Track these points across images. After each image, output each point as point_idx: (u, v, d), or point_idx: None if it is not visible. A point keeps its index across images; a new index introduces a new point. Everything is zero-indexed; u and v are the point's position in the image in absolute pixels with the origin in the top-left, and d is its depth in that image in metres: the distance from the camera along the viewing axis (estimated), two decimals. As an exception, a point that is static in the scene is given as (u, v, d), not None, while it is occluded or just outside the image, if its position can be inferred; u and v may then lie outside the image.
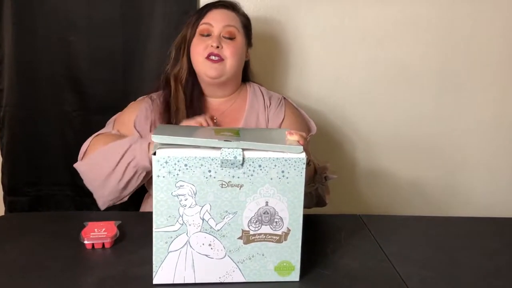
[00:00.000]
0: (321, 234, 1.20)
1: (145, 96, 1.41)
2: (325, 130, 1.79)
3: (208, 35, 1.30)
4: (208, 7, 1.33)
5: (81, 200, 1.75)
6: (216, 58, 1.28)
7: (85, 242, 1.06)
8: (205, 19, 1.31)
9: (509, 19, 1.76)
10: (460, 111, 1.83)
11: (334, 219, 1.30)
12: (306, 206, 1.25)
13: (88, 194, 1.73)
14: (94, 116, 1.68)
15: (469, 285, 1.00)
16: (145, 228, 1.09)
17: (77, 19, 1.62)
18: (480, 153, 1.88)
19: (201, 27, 1.31)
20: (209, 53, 1.28)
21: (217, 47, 1.27)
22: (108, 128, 1.37)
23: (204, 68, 1.30)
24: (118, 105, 1.66)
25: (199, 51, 1.30)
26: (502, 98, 1.83)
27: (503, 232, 1.27)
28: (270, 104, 1.40)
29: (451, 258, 1.10)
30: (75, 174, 1.73)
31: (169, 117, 1.31)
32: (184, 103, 1.31)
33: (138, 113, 1.34)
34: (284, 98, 1.45)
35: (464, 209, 1.89)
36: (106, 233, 1.08)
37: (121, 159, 1.19)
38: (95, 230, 1.09)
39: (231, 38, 1.31)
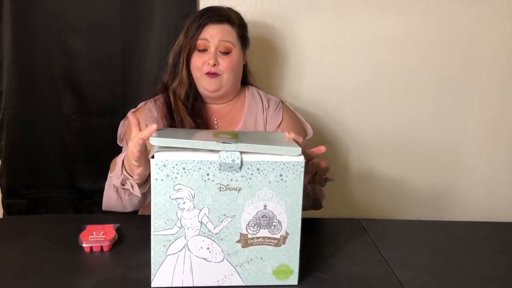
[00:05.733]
0: (320, 238, 1.19)
1: (146, 101, 1.41)
2: (322, 134, 1.79)
3: (205, 50, 1.33)
4: (205, 21, 1.34)
5: (80, 203, 1.75)
6: (213, 74, 1.33)
7: (84, 245, 1.05)
8: (202, 35, 1.33)
9: (507, 24, 1.76)
10: (459, 115, 1.83)
11: (333, 223, 1.30)
12: (302, 207, 1.25)
13: (87, 197, 1.75)
14: (93, 118, 1.69)
15: (468, 289, 1.00)
16: (144, 231, 1.09)
17: (76, 22, 1.63)
18: (478, 157, 1.87)
19: (198, 42, 1.34)
20: (206, 71, 1.33)
21: (214, 64, 1.32)
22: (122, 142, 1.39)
23: (202, 83, 1.35)
24: (117, 108, 1.66)
25: (197, 66, 1.34)
26: (500, 103, 1.83)
27: (503, 236, 1.26)
28: (268, 106, 1.42)
29: (450, 262, 1.10)
30: (74, 177, 1.74)
31: (174, 127, 1.33)
32: (186, 113, 1.34)
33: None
34: (282, 101, 1.46)
35: (462, 213, 1.88)
36: (104, 236, 1.07)
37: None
38: (94, 233, 1.08)
39: (227, 52, 1.33)
